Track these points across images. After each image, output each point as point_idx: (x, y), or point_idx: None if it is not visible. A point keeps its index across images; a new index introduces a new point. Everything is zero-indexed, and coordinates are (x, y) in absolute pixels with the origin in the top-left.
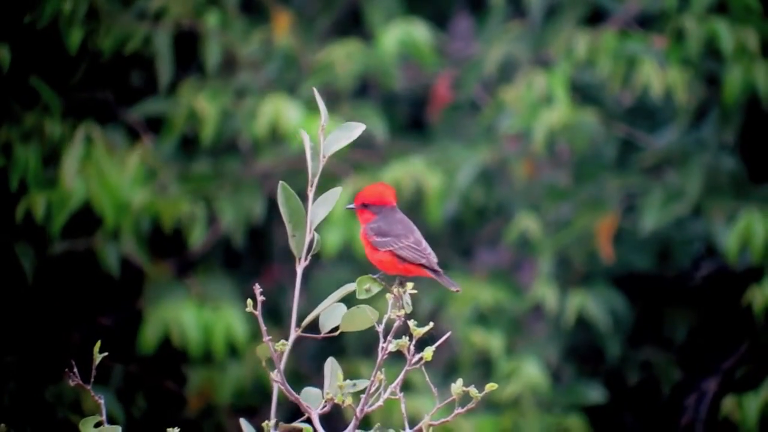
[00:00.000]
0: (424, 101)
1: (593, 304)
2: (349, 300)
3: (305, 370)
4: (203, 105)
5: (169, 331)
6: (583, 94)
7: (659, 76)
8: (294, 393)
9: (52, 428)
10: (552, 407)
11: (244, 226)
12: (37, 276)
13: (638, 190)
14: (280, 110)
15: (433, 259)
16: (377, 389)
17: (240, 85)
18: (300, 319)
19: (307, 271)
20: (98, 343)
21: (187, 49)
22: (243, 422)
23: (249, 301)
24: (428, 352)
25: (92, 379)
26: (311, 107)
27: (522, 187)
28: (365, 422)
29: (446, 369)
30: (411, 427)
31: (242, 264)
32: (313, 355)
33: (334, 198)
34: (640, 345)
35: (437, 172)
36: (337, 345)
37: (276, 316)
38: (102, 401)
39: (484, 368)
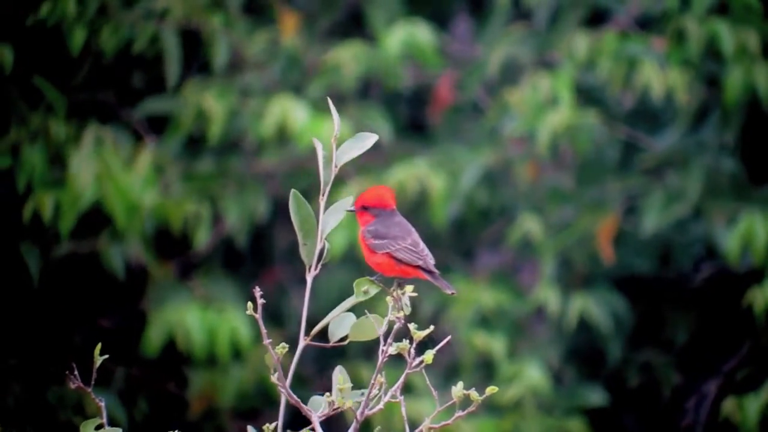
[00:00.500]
0: (425, 102)
1: (594, 307)
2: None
3: (307, 373)
4: (211, 104)
5: (173, 333)
6: (585, 96)
7: (660, 77)
8: (295, 396)
9: (54, 430)
10: (553, 410)
11: (247, 227)
12: (41, 277)
13: (639, 192)
14: (288, 111)
15: (430, 260)
16: (378, 392)
17: (244, 85)
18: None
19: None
20: (99, 346)
21: (191, 48)
22: (250, 429)
23: (249, 304)
24: (429, 355)
25: (93, 382)
26: (318, 108)
27: (525, 189)
28: (366, 425)
29: (447, 371)
30: (411, 430)
31: (244, 265)
32: (315, 358)
33: (346, 207)
34: (641, 347)
35: (441, 174)
36: (338, 348)
37: (277, 318)
38: (103, 404)
39: (486, 371)
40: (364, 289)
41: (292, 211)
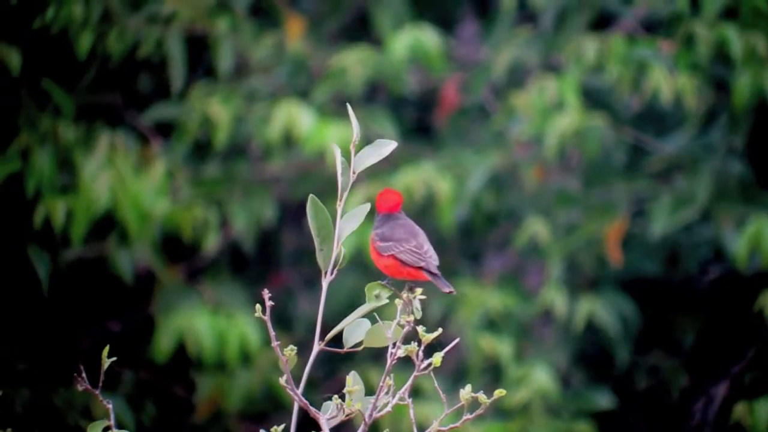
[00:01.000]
0: (431, 106)
1: (602, 310)
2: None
3: (315, 375)
4: (216, 109)
5: (183, 338)
6: (592, 99)
7: (668, 81)
8: (303, 399)
9: None
10: (560, 413)
11: (254, 231)
12: (49, 281)
13: (647, 195)
14: (294, 115)
15: (434, 262)
16: (386, 395)
17: (250, 90)
18: (312, 326)
19: (317, 277)
20: (107, 349)
21: (196, 53)
22: None
23: (258, 306)
24: (437, 358)
25: (101, 385)
26: (323, 112)
27: (532, 192)
28: (374, 428)
29: (455, 374)
30: None
31: (251, 269)
32: (323, 360)
33: (363, 213)
34: (649, 350)
35: (448, 178)
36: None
37: (285, 321)
38: (111, 406)
39: (494, 374)
40: (376, 293)
41: (310, 216)
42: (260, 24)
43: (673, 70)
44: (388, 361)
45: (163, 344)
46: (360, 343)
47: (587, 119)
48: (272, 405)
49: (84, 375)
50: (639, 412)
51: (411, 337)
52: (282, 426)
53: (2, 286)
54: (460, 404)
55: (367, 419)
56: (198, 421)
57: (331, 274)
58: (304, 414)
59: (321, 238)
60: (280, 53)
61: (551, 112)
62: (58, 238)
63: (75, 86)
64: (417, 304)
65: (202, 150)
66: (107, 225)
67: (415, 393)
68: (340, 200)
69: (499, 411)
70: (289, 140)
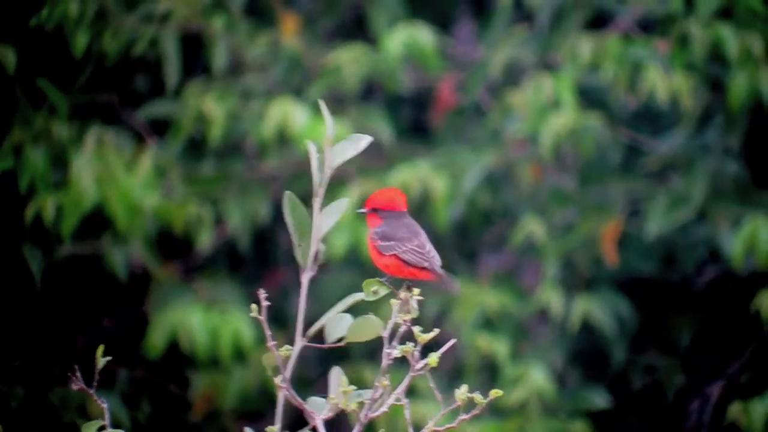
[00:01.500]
0: (427, 104)
1: (598, 309)
2: (354, 307)
3: (309, 375)
4: (211, 107)
5: (176, 335)
6: (588, 98)
7: (664, 81)
8: (299, 398)
9: None
10: (557, 412)
11: (250, 229)
12: (43, 279)
13: (643, 195)
14: (288, 113)
15: (437, 262)
16: (381, 395)
17: (245, 88)
18: (305, 325)
19: (312, 276)
20: (101, 347)
21: (192, 51)
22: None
23: (253, 306)
24: (434, 358)
25: (95, 383)
26: (318, 110)
27: (528, 191)
28: (369, 428)
29: (451, 374)
30: None
31: (246, 267)
32: (317, 359)
33: (341, 209)
34: (645, 350)
35: (443, 176)
36: (341, 350)
37: (281, 320)
38: (105, 405)
39: (490, 373)
40: (374, 289)
41: (286, 212)
42: (255, 22)
43: (669, 69)
44: (384, 361)
45: (156, 340)
46: (342, 339)
47: (583, 118)
48: (268, 403)
49: (78, 374)
50: (635, 411)
51: (407, 336)
52: (277, 426)
53: None
54: (456, 404)
55: (362, 419)
56: (194, 420)
57: (311, 270)
58: (294, 413)
59: (299, 234)
60: (275, 51)
61: (547, 111)
62: (51, 235)
63: (70, 85)
64: (414, 303)
65: (197, 148)
66: (101, 222)
67: (411, 392)
68: (316, 196)
69: (496, 410)
70: (283, 138)
